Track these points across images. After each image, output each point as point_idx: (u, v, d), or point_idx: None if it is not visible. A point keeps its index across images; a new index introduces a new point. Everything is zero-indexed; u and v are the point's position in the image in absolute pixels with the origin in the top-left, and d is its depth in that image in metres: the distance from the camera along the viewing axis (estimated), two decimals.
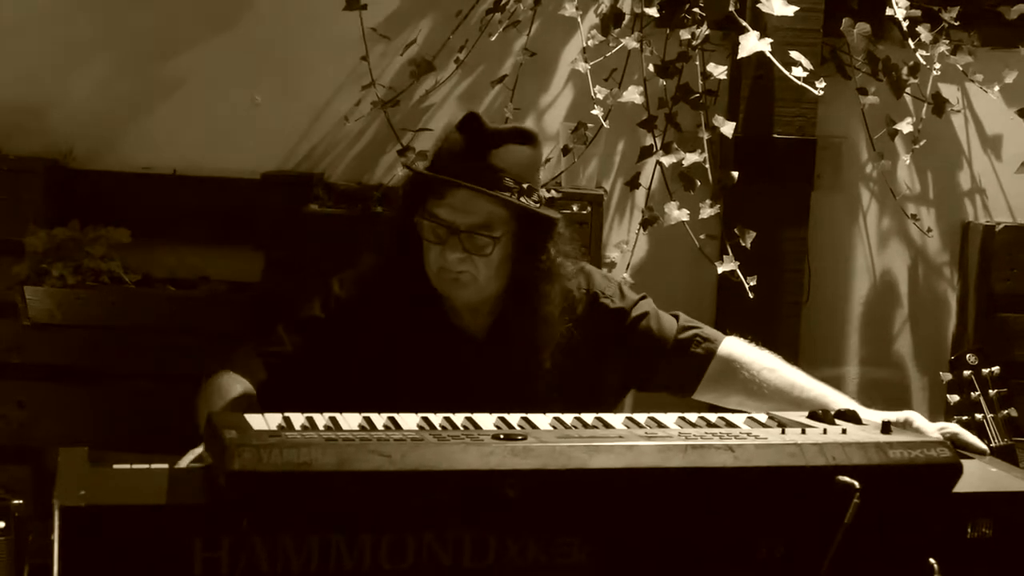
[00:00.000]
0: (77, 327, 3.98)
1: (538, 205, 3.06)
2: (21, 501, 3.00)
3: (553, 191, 4.10)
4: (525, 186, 3.03)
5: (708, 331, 3.23)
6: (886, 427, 2.47)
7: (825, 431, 2.45)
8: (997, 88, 4.27)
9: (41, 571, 2.52)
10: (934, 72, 4.21)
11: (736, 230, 4.12)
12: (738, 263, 4.09)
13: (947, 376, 3.40)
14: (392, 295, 3.10)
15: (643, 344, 3.20)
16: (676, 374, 3.20)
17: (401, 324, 3.09)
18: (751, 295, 4.07)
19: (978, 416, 3.29)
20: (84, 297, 3.97)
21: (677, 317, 3.24)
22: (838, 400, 2.99)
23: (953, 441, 2.70)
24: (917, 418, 2.81)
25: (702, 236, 4.17)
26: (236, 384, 2.97)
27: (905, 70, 4.24)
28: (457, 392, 2.95)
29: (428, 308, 3.11)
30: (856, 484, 2.23)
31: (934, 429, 2.76)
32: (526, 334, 3.10)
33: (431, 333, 3.10)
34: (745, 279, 4.07)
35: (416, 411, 2.49)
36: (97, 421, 3.94)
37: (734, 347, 3.18)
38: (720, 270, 4.11)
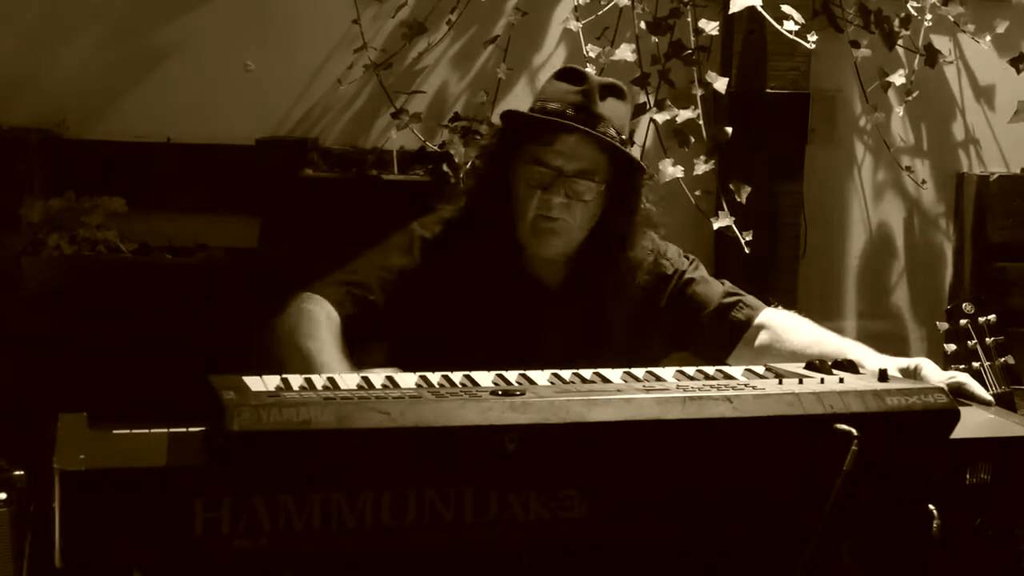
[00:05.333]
0: (75, 297, 3.98)
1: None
2: (22, 472, 3.01)
3: None
4: (624, 137, 3.15)
5: (750, 300, 3.29)
6: (883, 375, 2.48)
7: (822, 380, 2.46)
8: (989, 38, 4.27)
9: (43, 540, 2.53)
10: (926, 23, 4.21)
11: (731, 185, 4.12)
12: (734, 218, 4.09)
13: (944, 325, 3.40)
14: (472, 242, 3.17)
15: (688, 307, 3.27)
16: (713, 338, 3.25)
17: (478, 271, 3.15)
18: (747, 250, 4.07)
19: (975, 364, 3.29)
20: (81, 267, 3.96)
21: (723, 283, 3.31)
22: (858, 351, 3.02)
23: (958, 390, 2.72)
24: (927, 365, 2.83)
25: (697, 192, 4.17)
26: (321, 311, 3.00)
27: (897, 22, 4.24)
28: (529, 341, 3.06)
29: (505, 256, 3.17)
30: (854, 431, 2.24)
31: (943, 378, 2.78)
32: (600, 288, 3.19)
33: (507, 281, 3.17)
34: (741, 234, 4.07)
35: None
36: (96, 391, 3.94)
37: (773, 316, 3.25)
38: (716, 226, 4.12)
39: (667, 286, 3.27)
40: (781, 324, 3.22)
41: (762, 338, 3.20)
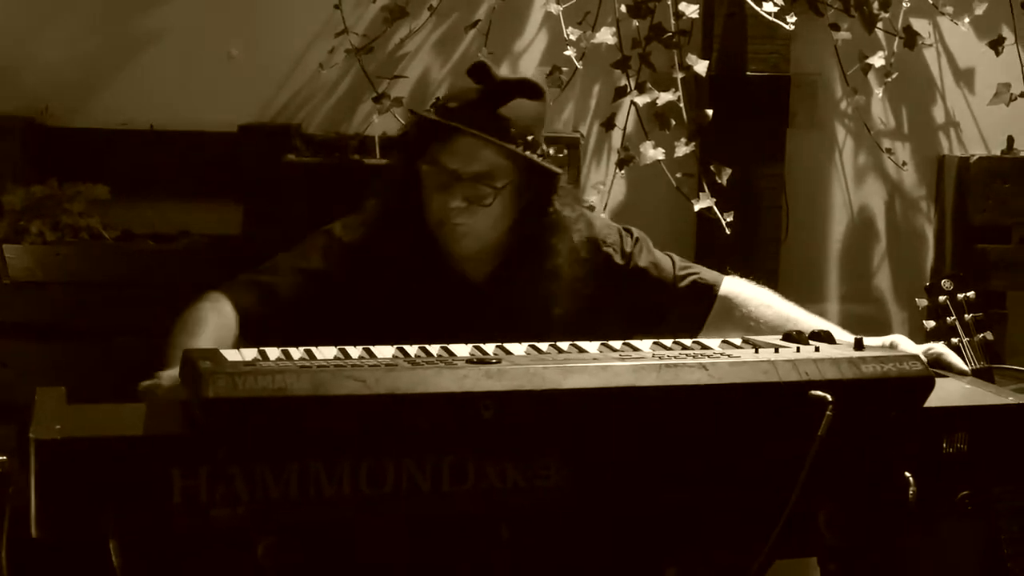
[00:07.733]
0: (57, 284, 3.97)
1: (541, 159, 3.10)
2: (5, 458, 3.01)
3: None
4: (530, 139, 3.06)
5: (707, 273, 3.31)
6: (859, 343, 2.49)
7: (798, 350, 2.47)
8: (967, 20, 4.28)
9: (21, 513, 2.53)
10: (905, 5, 4.23)
11: (712, 167, 4.13)
12: (715, 200, 4.10)
13: (923, 302, 3.42)
14: (393, 240, 3.11)
15: (647, 294, 3.25)
16: (681, 320, 3.25)
17: (401, 268, 3.10)
18: (728, 231, 4.08)
19: (954, 340, 3.31)
20: (64, 254, 3.95)
21: (672, 259, 3.30)
22: (833, 330, 3.04)
23: (936, 361, 2.73)
24: (903, 341, 2.84)
25: (679, 175, 4.18)
26: (213, 309, 2.95)
27: (876, 4, 4.24)
28: (454, 337, 2.96)
29: (428, 253, 3.12)
30: (829, 398, 2.25)
31: (920, 350, 2.79)
32: (530, 285, 3.12)
33: (431, 276, 3.11)
34: (722, 215, 4.08)
35: None
36: (80, 377, 3.92)
37: (735, 287, 3.27)
38: (697, 207, 4.13)
39: (617, 275, 3.24)
40: (746, 295, 3.26)
41: (727, 310, 3.23)
